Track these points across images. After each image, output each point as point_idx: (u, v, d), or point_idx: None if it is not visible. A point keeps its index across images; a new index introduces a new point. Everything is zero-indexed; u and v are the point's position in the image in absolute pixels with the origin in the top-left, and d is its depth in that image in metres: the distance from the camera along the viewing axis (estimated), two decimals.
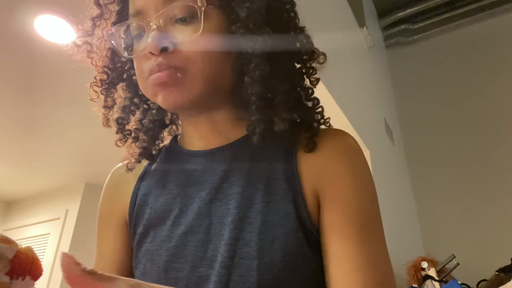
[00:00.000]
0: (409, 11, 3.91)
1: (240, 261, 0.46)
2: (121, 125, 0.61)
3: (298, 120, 0.56)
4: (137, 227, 0.57)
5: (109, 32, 0.54)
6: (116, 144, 0.61)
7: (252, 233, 0.47)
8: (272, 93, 0.51)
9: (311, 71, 0.56)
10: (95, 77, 0.60)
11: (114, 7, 0.56)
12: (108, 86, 0.59)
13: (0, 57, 1.99)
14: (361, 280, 0.45)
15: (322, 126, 0.57)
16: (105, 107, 0.60)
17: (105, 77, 0.59)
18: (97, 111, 0.61)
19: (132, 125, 0.62)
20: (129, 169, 0.61)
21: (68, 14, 1.74)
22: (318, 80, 0.57)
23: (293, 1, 0.57)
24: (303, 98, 0.57)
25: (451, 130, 3.54)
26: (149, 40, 0.48)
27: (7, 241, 0.30)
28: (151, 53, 0.48)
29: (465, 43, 3.84)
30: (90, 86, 0.60)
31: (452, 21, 3.90)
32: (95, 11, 0.57)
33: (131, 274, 0.58)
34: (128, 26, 0.54)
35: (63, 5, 1.70)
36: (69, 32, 1.81)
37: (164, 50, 0.48)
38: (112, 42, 0.54)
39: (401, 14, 3.95)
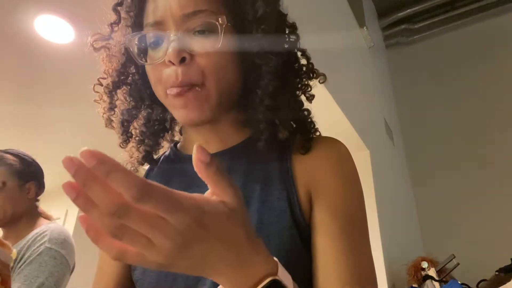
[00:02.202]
0: (409, 11, 3.91)
1: None
2: (125, 127, 0.63)
3: (295, 126, 0.59)
4: None
5: (127, 38, 0.56)
6: (120, 145, 0.63)
7: None
8: (278, 104, 0.55)
9: (308, 88, 0.61)
10: (99, 79, 0.62)
11: (131, 14, 0.59)
12: (113, 89, 0.62)
13: (0, 57, 1.99)
14: (345, 275, 0.47)
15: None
16: (109, 109, 0.62)
17: (116, 79, 0.61)
18: (99, 112, 0.63)
19: (134, 128, 0.64)
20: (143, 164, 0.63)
21: (68, 14, 1.74)
22: (313, 96, 0.61)
23: (295, 25, 0.61)
24: (301, 108, 0.61)
25: (451, 130, 3.54)
26: (170, 51, 0.50)
27: (2, 243, 0.30)
28: (170, 62, 0.51)
29: (465, 43, 3.84)
30: (93, 87, 0.62)
31: (452, 21, 3.90)
32: (112, 17, 0.59)
33: (130, 278, 0.58)
34: (144, 34, 0.56)
35: (63, 5, 1.71)
36: (69, 32, 1.81)
37: (183, 60, 0.51)
38: (129, 48, 0.56)
39: (401, 14, 3.95)
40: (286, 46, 0.58)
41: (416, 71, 3.97)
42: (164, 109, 0.62)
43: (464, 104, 3.58)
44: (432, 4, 3.80)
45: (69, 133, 2.68)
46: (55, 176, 3.83)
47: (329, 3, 2.38)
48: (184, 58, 0.51)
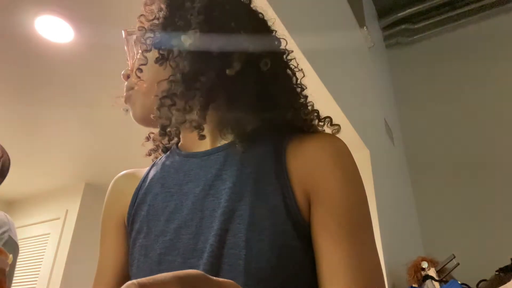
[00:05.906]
0: (409, 11, 3.91)
1: (228, 251, 0.48)
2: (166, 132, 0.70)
3: (288, 122, 0.58)
4: (134, 224, 0.59)
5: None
6: (149, 153, 0.73)
7: (241, 225, 0.49)
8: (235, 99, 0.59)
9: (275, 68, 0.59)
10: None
11: None
12: None
13: (0, 57, 1.99)
14: (351, 277, 0.46)
15: (325, 129, 0.61)
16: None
17: None
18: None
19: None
20: (151, 155, 0.72)
21: (68, 14, 1.74)
22: (289, 75, 0.62)
23: (242, 13, 0.60)
24: (293, 99, 0.60)
25: (451, 130, 3.54)
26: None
27: (1, 252, 0.30)
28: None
29: (465, 43, 3.84)
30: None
31: (452, 21, 3.90)
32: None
33: (128, 274, 0.59)
34: None
35: (63, 5, 1.71)
36: (69, 32, 1.82)
37: (128, 77, 0.65)
38: None
39: (401, 14, 3.95)
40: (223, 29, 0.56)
41: (416, 71, 3.97)
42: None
43: (464, 104, 3.58)
44: (432, 4, 3.80)
45: (69, 133, 2.68)
46: (55, 176, 3.81)
47: (329, 3, 2.38)
48: (127, 75, 0.65)
